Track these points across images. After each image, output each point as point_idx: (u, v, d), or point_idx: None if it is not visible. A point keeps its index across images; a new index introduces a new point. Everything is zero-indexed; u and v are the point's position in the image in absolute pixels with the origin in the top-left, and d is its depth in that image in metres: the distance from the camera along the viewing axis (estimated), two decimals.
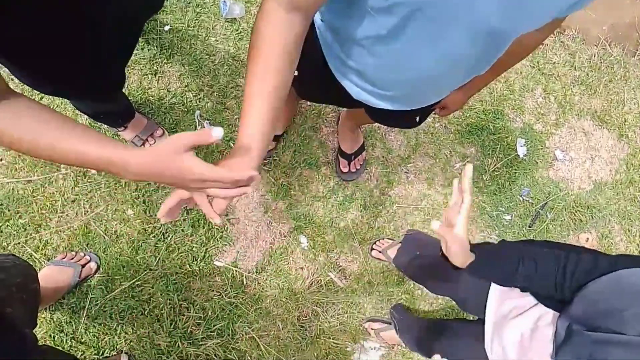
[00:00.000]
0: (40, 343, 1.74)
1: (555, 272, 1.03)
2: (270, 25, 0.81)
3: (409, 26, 0.82)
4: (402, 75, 0.99)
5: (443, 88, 1.14)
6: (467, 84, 1.23)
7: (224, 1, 2.13)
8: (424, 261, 1.71)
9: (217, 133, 0.80)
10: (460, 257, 1.06)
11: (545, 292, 1.07)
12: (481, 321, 1.32)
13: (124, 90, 1.92)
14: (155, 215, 1.95)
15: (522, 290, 1.15)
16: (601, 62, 2.66)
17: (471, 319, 1.69)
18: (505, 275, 1.10)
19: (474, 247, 1.09)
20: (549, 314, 1.10)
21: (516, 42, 0.91)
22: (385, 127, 2.27)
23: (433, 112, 1.50)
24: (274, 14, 0.80)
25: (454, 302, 2.13)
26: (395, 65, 0.96)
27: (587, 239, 2.38)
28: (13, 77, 1.23)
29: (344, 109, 2.12)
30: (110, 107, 1.73)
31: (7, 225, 1.86)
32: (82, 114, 1.85)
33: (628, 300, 0.87)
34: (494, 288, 1.28)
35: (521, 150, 2.41)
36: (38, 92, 1.94)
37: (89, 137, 0.79)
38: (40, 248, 1.87)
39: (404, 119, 1.48)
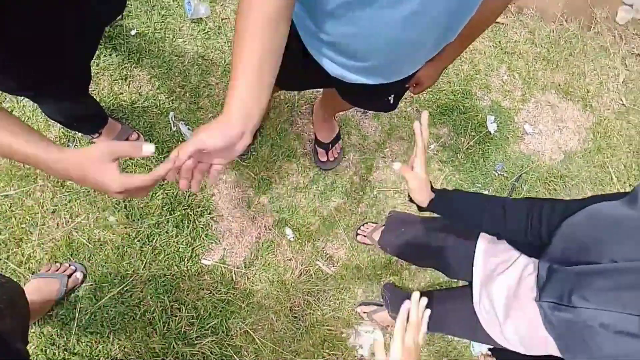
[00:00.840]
0: (32, 359, 1.72)
1: (528, 218, 1.07)
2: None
3: None
4: (376, 43, 1.01)
5: (417, 56, 1.16)
6: (437, 56, 1.27)
7: (189, 2, 2.14)
8: (408, 235, 1.74)
9: (148, 148, 0.83)
10: (419, 193, 1.18)
11: (519, 237, 1.11)
12: (469, 284, 1.35)
13: (94, 96, 1.91)
14: (137, 219, 1.94)
15: (492, 235, 1.19)
16: (560, 38, 2.76)
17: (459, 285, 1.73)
18: (470, 216, 1.16)
19: (442, 191, 1.21)
20: (532, 263, 1.14)
21: (482, 5, 0.95)
22: (360, 114, 2.31)
23: (407, 90, 1.53)
24: None
25: (442, 278, 2.19)
26: (369, 33, 0.97)
27: None
28: None
29: (317, 101, 2.14)
30: (81, 111, 1.71)
31: None
32: (56, 122, 1.83)
33: (602, 231, 0.91)
34: (479, 248, 1.31)
35: (492, 127, 2.48)
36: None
37: (20, 133, 0.80)
38: (24, 262, 1.84)
39: (378, 99, 1.50)
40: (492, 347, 1.45)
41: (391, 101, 1.52)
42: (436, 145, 2.37)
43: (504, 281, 1.18)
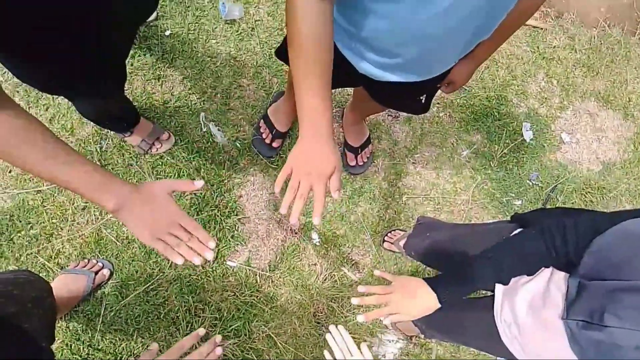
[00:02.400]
0: (57, 357, 1.75)
1: (548, 243, 1.03)
2: (303, 16, 0.89)
3: None
4: (408, 38, 0.99)
5: (449, 53, 1.13)
6: (469, 55, 1.23)
7: (223, 3, 2.14)
8: (431, 241, 1.70)
9: (199, 184, 0.98)
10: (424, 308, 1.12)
11: (545, 263, 1.07)
12: (491, 295, 1.31)
13: (128, 96, 1.93)
14: None
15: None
16: (601, 44, 2.66)
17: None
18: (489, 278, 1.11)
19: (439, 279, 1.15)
20: (559, 275, 1.08)
21: (516, 4, 0.92)
22: (391, 118, 2.27)
23: (439, 89, 1.49)
24: (307, 6, 0.88)
25: None
26: (402, 27, 0.96)
27: None
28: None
29: (347, 104, 2.12)
30: (115, 110, 1.73)
31: (19, 236, 1.86)
32: (88, 120, 1.86)
33: (635, 249, 0.86)
34: None
35: (527, 135, 2.40)
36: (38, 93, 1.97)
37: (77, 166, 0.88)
38: (53, 257, 1.87)
39: (409, 99, 1.47)
40: None
41: (422, 101, 1.48)
42: (469, 152, 2.32)
43: (528, 292, 1.13)
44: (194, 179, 1.96)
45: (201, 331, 1.13)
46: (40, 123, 0.86)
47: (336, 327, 1.24)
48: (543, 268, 1.11)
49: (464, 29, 0.98)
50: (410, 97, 1.45)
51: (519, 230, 1.26)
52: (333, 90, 2.19)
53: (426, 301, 1.10)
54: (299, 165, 0.99)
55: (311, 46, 0.91)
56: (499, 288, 1.23)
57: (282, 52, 1.40)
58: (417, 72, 1.19)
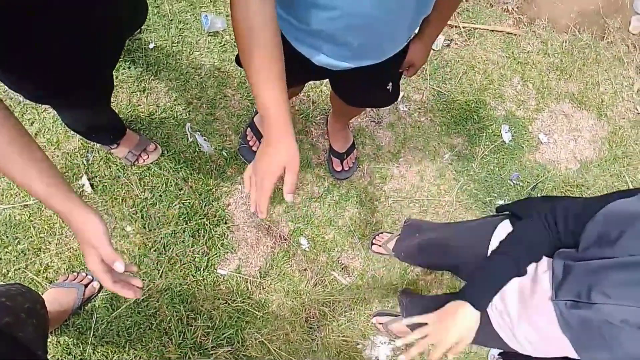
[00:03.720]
0: None
1: (548, 236, 1.07)
2: (245, 11, 0.88)
3: None
4: (352, 22, 1.03)
5: (396, 31, 1.17)
6: (420, 35, 1.29)
7: (205, 15, 2.17)
8: (421, 240, 1.73)
9: (119, 267, 0.91)
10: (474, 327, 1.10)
11: (544, 248, 1.10)
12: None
13: (113, 108, 1.94)
14: (154, 228, 1.96)
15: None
16: (573, 48, 2.76)
17: None
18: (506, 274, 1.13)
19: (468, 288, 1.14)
20: (544, 261, 1.11)
21: None
22: (374, 124, 2.32)
23: (402, 75, 1.54)
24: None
25: (458, 288, 2.16)
26: (343, 13, 1.00)
27: None
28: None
29: (331, 111, 2.16)
30: (101, 122, 1.74)
31: (6, 252, 1.85)
32: (74, 133, 1.86)
33: (620, 226, 0.90)
34: (492, 246, 1.30)
35: (506, 137, 2.47)
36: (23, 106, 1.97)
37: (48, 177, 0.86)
38: (42, 272, 1.86)
39: (377, 91, 1.52)
40: (502, 351, 1.43)
41: (390, 89, 1.53)
42: (451, 154, 2.37)
43: (517, 280, 1.16)
44: (182, 190, 1.99)
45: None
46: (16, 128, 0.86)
47: None
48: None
49: (405, 8, 1.04)
50: (376, 88, 1.49)
51: (505, 231, 1.28)
52: (316, 97, 2.24)
53: (467, 318, 1.08)
54: (257, 163, 0.99)
55: (258, 43, 0.89)
56: None
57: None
58: (370, 55, 1.23)
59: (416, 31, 1.36)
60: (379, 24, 1.05)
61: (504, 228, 1.28)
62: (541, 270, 1.10)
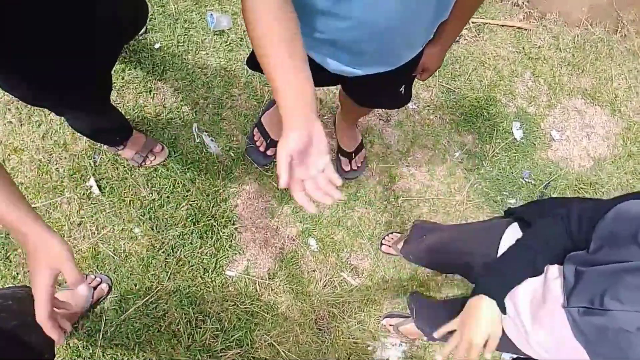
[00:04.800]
0: None
1: (566, 238, 1.04)
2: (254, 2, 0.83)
3: None
4: (368, 32, 1.01)
5: (412, 38, 1.15)
6: (436, 38, 1.25)
7: (211, 14, 2.15)
8: (429, 242, 1.71)
9: (83, 290, 0.93)
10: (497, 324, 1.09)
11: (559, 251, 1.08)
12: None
13: (120, 109, 1.93)
14: (162, 230, 1.95)
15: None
16: (585, 42, 2.71)
17: None
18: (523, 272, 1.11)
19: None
20: (554, 268, 1.09)
21: None
22: (382, 122, 2.29)
23: (415, 78, 1.51)
24: None
25: (469, 290, 2.14)
26: (362, 22, 0.97)
27: None
28: None
29: (338, 110, 2.14)
30: (106, 123, 1.73)
31: (15, 254, 1.84)
32: (81, 135, 1.86)
33: (632, 227, 0.87)
34: (502, 248, 1.27)
35: (518, 134, 2.43)
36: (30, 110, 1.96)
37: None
38: None
39: (389, 94, 1.49)
40: (516, 356, 1.40)
41: (402, 92, 1.50)
42: (461, 153, 2.34)
43: (528, 286, 1.13)
44: (189, 191, 1.98)
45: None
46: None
47: None
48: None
49: (421, 15, 1.01)
50: (389, 91, 1.47)
51: (515, 235, 1.25)
52: (324, 96, 2.22)
53: (489, 311, 1.07)
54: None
55: (270, 28, 0.84)
56: None
57: (253, 62, 1.36)
58: (386, 62, 1.21)
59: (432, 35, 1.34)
60: (395, 32, 1.03)
61: (513, 232, 1.26)
62: (551, 277, 1.07)
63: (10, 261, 1.83)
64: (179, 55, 2.14)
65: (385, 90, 1.46)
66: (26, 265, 1.84)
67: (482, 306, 1.07)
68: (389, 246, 2.11)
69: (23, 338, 1.10)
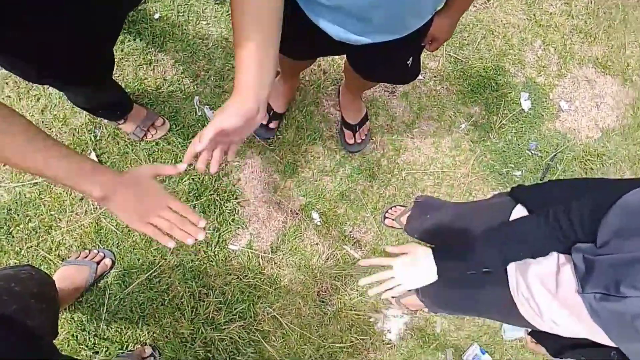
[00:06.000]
0: (62, 349, 1.75)
1: (554, 226, 1.04)
2: None
3: None
4: None
5: (421, 5, 1.12)
6: (447, 6, 1.21)
7: None
8: (434, 221, 1.69)
9: (182, 167, 0.95)
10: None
11: (552, 246, 1.07)
12: (500, 270, 1.30)
13: (119, 82, 1.90)
14: None
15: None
16: (598, 9, 2.61)
17: None
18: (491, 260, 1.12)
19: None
20: (563, 256, 1.08)
21: None
22: (388, 94, 2.24)
23: (423, 49, 1.47)
24: None
25: None
26: None
27: None
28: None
29: (342, 81, 2.09)
30: (106, 98, 1.70)
31: (18, 230, 1.85)
32: (81, 109, 1.83)
33: (637, 220, 0.86)
34: None
35: (525, 105, 2.38)
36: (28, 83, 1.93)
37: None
38: (54, 249, 1.86)
39: (395, 65, 1.45)
40: (530, 330, 1.41)
41: (409, 64, 1.46)
42: (467, 124, 2.29)
43: (540, 271, 1.12)
44: (191, 165, 1.96)
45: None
46: (17, 113, 0.84)
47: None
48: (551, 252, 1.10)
49: None
50: (396, 63, 1.43)
51: (522, 215, 1.24)
52: (328, 66, 2.17)
53: (426, 273, 1.14)
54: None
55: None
56: (511, 264, 1.23)
57: None
58: (393, 30, 1.18)
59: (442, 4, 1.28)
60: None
61: (519, 213, 1.24)
62: (563, 265, 1.06)
63: (13, 236, 1.84)
64: (179, 26, 2.08)
65: (392, 61, 1.42)
66: (28, 240, 1.85)
67: (426, 260, 1.14)
68: (392, 219, 2.10)
69: (25, 322, 1.10)
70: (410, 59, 1.44)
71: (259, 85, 0.87)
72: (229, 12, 2.08)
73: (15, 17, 0.98)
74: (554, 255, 1.09)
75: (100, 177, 0.89)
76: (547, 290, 1.08)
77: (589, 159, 2.39)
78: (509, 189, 1.99)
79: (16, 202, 1.86)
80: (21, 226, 1.85)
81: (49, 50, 1.16)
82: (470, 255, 1.12)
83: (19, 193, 1.87)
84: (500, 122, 2.33)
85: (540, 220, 1.06)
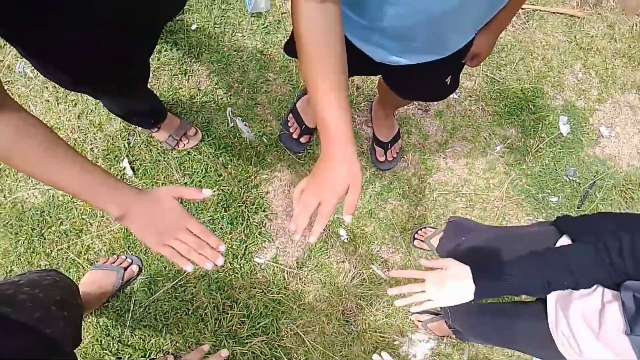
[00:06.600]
0: (87, 353, 1.75)
1: (603, 259, 0.98)
2: (307, 21, 0.83)
3: None
4: (421, 18, 0.96)
5: (465, 26, 1.10)
6: (489, 23, 1.18)
7: None
8: (469, 245, 1.64)
9: (207, 193, 0.95)
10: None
11: (598, 279, 1.02)
12: (539, 301, 1.24)
13: (154, 91, 1.92)
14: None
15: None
16: None
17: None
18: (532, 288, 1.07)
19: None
20: (609, 292, 1.03)
21: None
22: (421, 112, 2.21)
23: (463, 67, 1.44)
24: (306, 7, 0.82)
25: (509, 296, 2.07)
26: (413, 9, 0.93)
27: None
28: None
29: (376, 97, 2.07)
30: (141, 106, 1.72)
31: (50, 232, 1.88)
32: (116, 116, 1.85)
33: None
34: None
35: (564, 129, 2.31)
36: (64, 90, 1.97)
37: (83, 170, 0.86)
38: (83, 253, 1.88)
39: (433, 83, 1.43)
40: None
41: (448, 82, 1.43)
42: (502, 146, 2.24)
43: (583, 308, 1.06)
44: (221, 176, 1.96)
45: (205, 347, 1.04)
46: (41, 123, 0.84)
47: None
48: (596, 286, 1.05)
49: (478, 1, 0.96)
50: (433, 83, 1.41)
51: (567, 243, 1.19)
52: (361, 82, 2.15)
53: (462, 291, 1.09)
54: (317, 180, 0.94)
55: (321, 54, 0.85)
56: (551, 297, 1.17)
57: (291, 48, 1.34)
58: (435, 51, 1.16)
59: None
60: (449, 19, 0.98)
61: (565, 243, 1.19)
62: (608, 302, 1.00)
63: (45, 238, 1.87)
64: (215, 37, 2.11)
65: (430, 80, 1.40)
66: (59, 242, 1.87)
67: (463, 278, 1.09)
68: (422, 241, 2.05)
69: (45, 331, 1.09)
70: (450, 77, 1.41)
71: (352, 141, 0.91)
72: (265, 25, 2.11)
73: (57, 25, 1.00)
74: (598, 290, 1.04)
75: (120, 196, 0.88)
76: (590, 329, 1.02)
77: (629, 188, 2.30)
78: (544, 215, 1.92)
79: (49, 205, 1.89)
80: (53, 228, 1.88)
81: (81, 57, 1.17)
82: (511, 279, 1.06)
83: (52, 195, 1.90)
84: (537, 145, 2.27)
85: (589, 247, 1.01)
